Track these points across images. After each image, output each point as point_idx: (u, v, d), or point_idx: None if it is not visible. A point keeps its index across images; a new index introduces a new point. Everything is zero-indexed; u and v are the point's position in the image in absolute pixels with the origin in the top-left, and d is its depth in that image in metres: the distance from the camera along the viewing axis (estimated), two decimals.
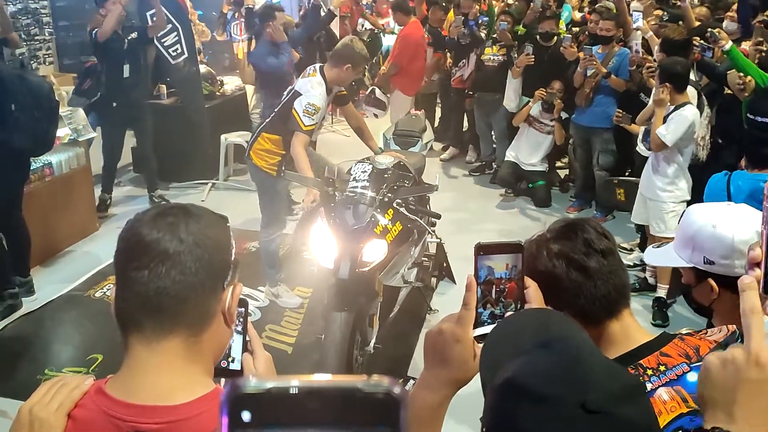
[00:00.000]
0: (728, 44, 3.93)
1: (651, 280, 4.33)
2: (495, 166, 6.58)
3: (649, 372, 1.12)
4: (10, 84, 3.77)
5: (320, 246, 3.31)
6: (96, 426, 0.96)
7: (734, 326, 1.20)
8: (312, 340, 3.81)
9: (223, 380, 1.06)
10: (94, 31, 5.19)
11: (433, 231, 3.93)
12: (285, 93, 4.16)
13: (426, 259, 3.94)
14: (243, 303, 1.08)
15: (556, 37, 5.83)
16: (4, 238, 4.03)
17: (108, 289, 4.43)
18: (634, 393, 0.68)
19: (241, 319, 1.08)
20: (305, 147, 3.81)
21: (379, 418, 0.39)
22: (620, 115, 4.64)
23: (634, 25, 5.08)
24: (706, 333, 1.20)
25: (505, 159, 6.04)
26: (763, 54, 4.15)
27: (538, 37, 5.93)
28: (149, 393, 0.95)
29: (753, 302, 0.76)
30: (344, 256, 3.18)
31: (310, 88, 3.87)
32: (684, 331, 1.24)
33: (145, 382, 0.96)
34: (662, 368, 1.12)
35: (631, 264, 4.63)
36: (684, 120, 3.95)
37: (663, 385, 1.11)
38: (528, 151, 5.92)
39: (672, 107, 4.01)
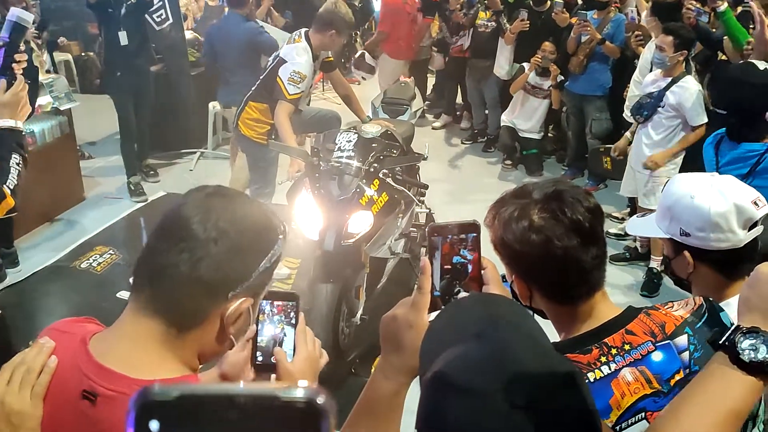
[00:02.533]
0: (724, 5, 3.83)
1: (641, 249, 4.30)
2: (488, 134, 6.50)
3: (614, 351, 1.08)
4: None
5: (305, 217, 3.27)
6: (65, 377, 0.97)
7: (701, 299, 1.16)
8: None
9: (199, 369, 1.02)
10: None
11: (422, 201, 3.88)
12: (270, 59, 4.08)
13: (414, 229, 3.89)
14: (293, 297, 1.04)
15: (549, 2, 5.70)
16: None
17: (94, 260, 4.39)
18: (567, 383, 0.64)
19: (293, 314, 1.03)
20: (289, 116, 3.73)
21: (300, 430, 0.36)
22: None
23: None
24: (672, 307, 1.16)
25: (502, 124, 5.96)
26: None
27: (531, 2, 5.79)
28: (120, 360, 0.94)
29: None
30: (329, 227, 3.15)
31: (296, 56, 3.79)
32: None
33: (120, 348, 0.95)
34: (627, 347, 1.08)
35: (622, 233, 4.61)
36: (697, 93, 3.85)
37: (627, 366, 1.07)
38: (524, 117, 5.84)
39: (669, 79, 3.91)
